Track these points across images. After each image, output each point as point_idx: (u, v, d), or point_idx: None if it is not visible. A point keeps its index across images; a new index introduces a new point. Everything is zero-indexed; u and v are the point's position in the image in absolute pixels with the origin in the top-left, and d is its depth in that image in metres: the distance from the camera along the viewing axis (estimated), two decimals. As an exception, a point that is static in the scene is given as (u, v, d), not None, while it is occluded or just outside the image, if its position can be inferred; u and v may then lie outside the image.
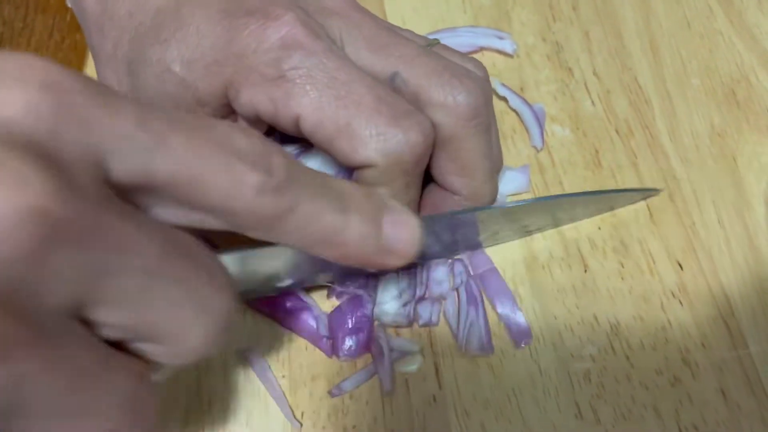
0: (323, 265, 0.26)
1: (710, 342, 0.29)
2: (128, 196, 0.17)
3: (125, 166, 0.17)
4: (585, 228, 0.32)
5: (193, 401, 0.29)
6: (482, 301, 0.30)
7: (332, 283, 0.30)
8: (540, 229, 0.32)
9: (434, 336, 0.30)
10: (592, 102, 0.35)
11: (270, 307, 0.30)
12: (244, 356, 0.30)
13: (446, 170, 0.28)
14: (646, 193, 0.32)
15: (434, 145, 0.27)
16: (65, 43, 0.39)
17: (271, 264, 0.26)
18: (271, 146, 0.19)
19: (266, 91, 0.25)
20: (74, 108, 0.16)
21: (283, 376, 0.29)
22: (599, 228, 0.32)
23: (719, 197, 0.32)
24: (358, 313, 0.29)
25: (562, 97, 0.36)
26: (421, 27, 0.38)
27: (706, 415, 0.28)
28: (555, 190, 0.33)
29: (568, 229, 0.32)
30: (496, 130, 0.30)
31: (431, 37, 0.33)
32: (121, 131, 0.16)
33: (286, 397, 0.29)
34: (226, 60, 0.25)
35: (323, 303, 0.31)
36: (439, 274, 0.30)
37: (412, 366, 0.29)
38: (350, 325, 0.29)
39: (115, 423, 0.17)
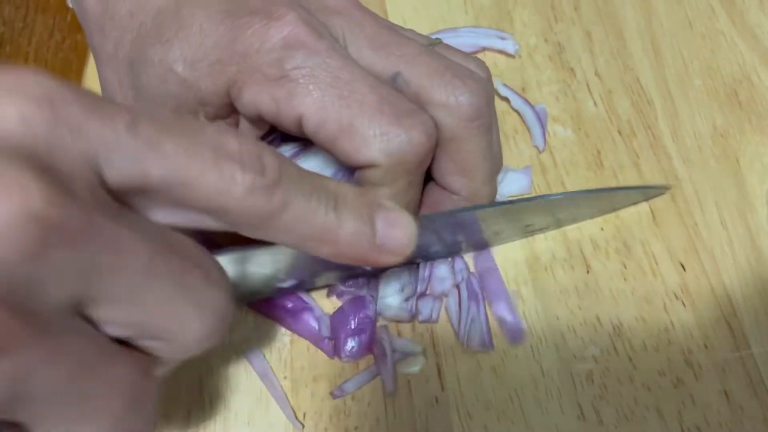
0: (323, 265, 0.26)
1: (713, 343, 0.29)
2: (124, 198, 0.18)
3: (118, 170, 0.17)
4: (587, 229, 0.32)
5: (195, 402, 0.29)
6: (483, 297, 0.30)
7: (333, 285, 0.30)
8: (543, 230, 0.32)
9: (436, 337, 0.30)
10: (594, 102, 0.35)
11: (271, 308, 0.30)
12: (246, 357, 0.29)
13: (446, 170, 0.28)
14: (651, 190, 0.32)
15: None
16: (66, 43, 0.39)
17: (270, 263, 0.26)
18: (263, 147, 0.20)
19: (269, 91, 0.25)
20: (68, 118, 0.16)
21: (285, 377, 0.29)
22: (602, 229, 0.32)
23: (722, 198, 0.32)
24: (361, 314, 0.29)
25: (564, 98, 0.36)
26: (422, 27, 0.38)
27: (709, 416, 0.28)
28: (557, 191, 0.33)
29: (571, 230, 0.32)
30: (497, 131, 0.30)
31: (433, 37, 0.33)
32: (113, 138, 0.17)
33: (287, 398, 0.29)
34: (229, 59, 0.25)
35: (324, 303, 0.31)
36: (442, 272, 0.30)
37: (414, 367, 0.29)
38: (352, 326, 0.29)
39: (117, 414, 0.18)
